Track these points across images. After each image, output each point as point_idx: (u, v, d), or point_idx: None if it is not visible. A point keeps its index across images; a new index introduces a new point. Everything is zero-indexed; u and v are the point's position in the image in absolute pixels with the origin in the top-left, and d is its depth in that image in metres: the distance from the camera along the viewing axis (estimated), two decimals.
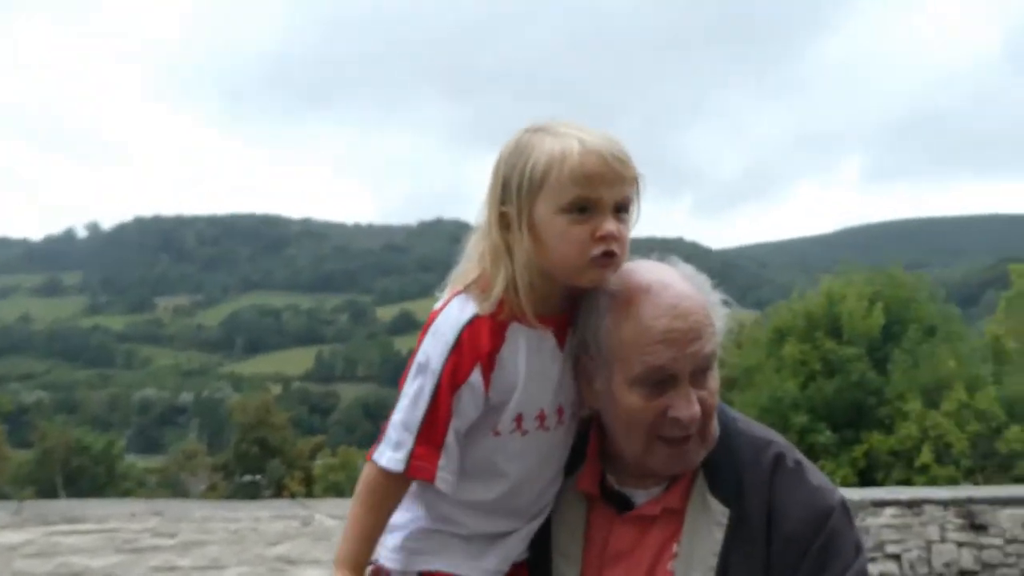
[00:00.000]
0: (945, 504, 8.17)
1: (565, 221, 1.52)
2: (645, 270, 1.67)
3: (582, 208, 1.52)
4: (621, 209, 1.56)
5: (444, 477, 1.56)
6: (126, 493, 41.06)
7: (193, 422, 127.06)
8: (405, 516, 1.66)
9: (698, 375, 1.61)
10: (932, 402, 21.11)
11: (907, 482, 18.52)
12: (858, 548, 1.66)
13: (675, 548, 1.65)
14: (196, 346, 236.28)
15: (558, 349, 1.64)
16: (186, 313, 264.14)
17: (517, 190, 1.54)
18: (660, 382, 1.59)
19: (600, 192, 1.52)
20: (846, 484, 18.93)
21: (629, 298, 1.61)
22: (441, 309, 1.61)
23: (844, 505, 1.69)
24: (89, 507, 5.70)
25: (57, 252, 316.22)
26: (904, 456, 20.96)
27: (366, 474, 1.59)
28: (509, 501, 1.63)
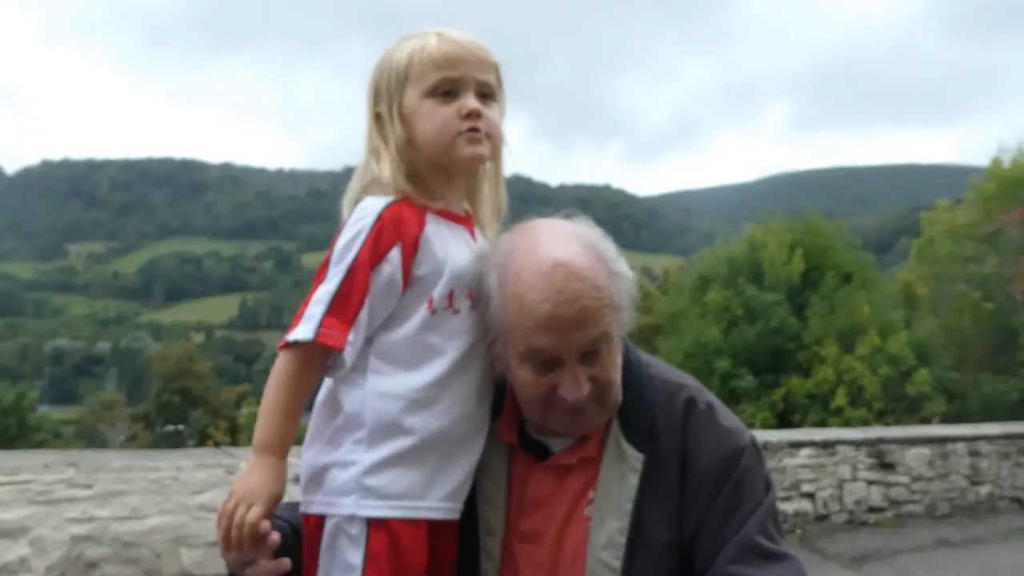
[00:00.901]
0: (857, 444, 8.50)
1: (431, 104, 1.61)
2: (539, 243, 1.60)
3: (446, 91, 1.60)
4: (486, 96, 1.62)
5: (350, 353, 1.54)
6: (39, 445, 39.93)
7: (111, 372, 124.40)
8: (348, 453, 1.58)
9: (588, 356, 1.58)
10: (847, 346, 21.77)
11: (822, 424, 19.14)
12: (768, 485, 1.69)
13: (591, 495, 1.67)
14: (112, 294, 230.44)
15: (472, 241, 1.68)
16: (100, 260, 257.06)
17: (386, 87, 1.64)
18: (546, 362, 1.58)
19: (460, 72, 1.59)
20: (766, 427, 19.53)
21: (516, 275, 1.57)
22: (357, 207, 1.64)
23: (755, 444, 1.72)
24: None
25: None
26: (820, 399, 21.62)
27: (279, 361, 1.56)
28: (450, 389, 1.60)
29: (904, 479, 8.66)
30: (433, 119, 1.60)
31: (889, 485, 8.58)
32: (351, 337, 1.53)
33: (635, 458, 1.64)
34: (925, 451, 8.80)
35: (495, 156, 1.69)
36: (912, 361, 21.30)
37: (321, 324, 1.52)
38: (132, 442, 42.76)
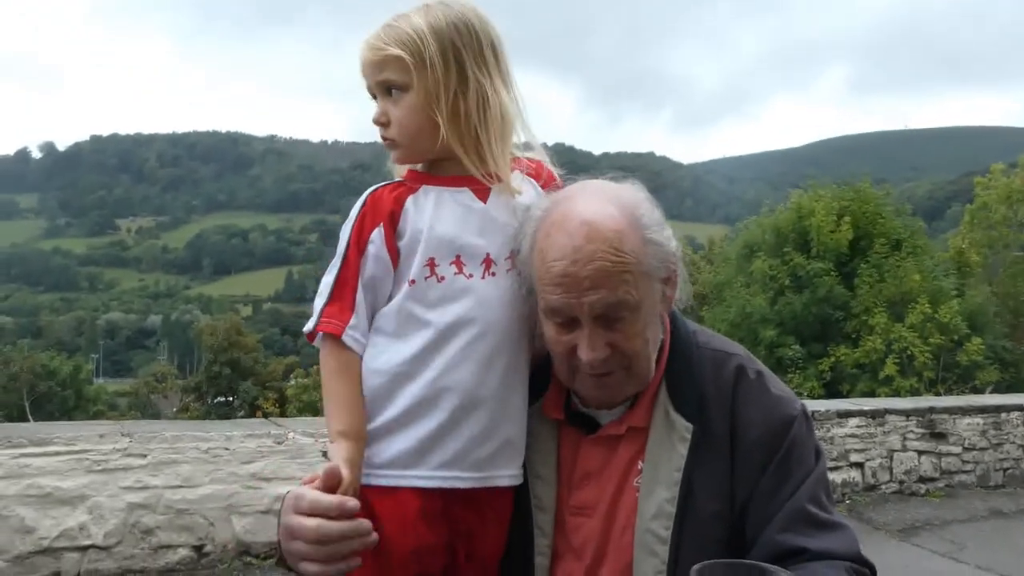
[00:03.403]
0: (907, 414, 8.38)
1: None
2: (576, 198, 1.59)
3: (373, 96, 1.66)
4: (392, 90, 1.62)
5: (353, 336, 1.58)
6: (96, 416, 40.96)
7: (162, 345, 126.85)
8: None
9: (608, 320, 1.55)
10: (897, 315, 21.43)
11: (871, 394, 18.88)
12: (818, 454, 1.67)
13: (640, 465, 1.65)
14: (162, 268, 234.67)
15: (478, 201, 1.64)
16: (150, 235, 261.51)
17: None
18: (565, 321, 1.56)
19: (368, 82, 1.64)
20: (813, 396, 19.33)
21: (547, 230, 1.56)
22: None
23: (805, 413, 1.69)
24: (57, 429, 5.66)
25: (11, 174, 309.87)
26: (869, 369, 21.33)
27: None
28: (437, 359, 1.57)
29: (956, 449, 8.53)
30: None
31: (940, 455, 8.46)
32: (352, 321, 1.59)
33: (684, 427, 1.62)
34: (978, 420, 8.65)
35: (423, 135, 1.63)
36: (964, 330, 20.92)
37: (322, 315, 1.59)
38: (184, 413, 43.63)
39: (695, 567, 1.18)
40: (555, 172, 1.75)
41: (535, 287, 1.57)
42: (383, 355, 1.60)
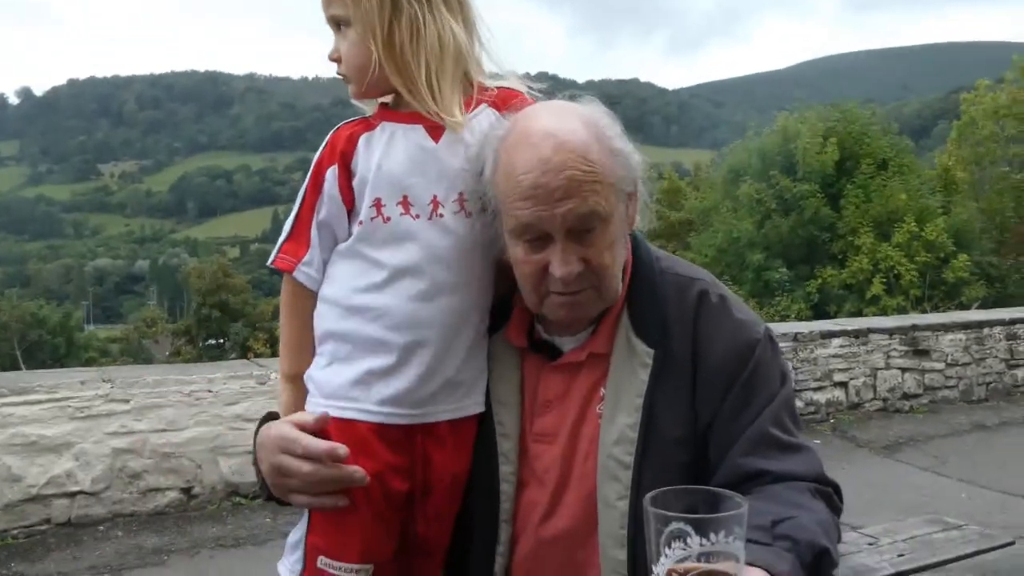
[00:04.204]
0: (890, 332, 8.44)
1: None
2: (536, 116, 1.57)
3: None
4: (341, 25, 1.62)
5: (306, 272, 1.63)
6: (88, 363, 41.05)
7: (151, 289, 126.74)
8: (317, 365, 1.65)
9: (579, 233, 1.52)
10: (884, 235, 21.47)
11: (858, 314, 19.00)
12: (784, 377, 1.65)
13: (602, 391, 1.64)
14: (147, 212, 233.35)
15: (430, 140, 1.61)
16: (133, 179, 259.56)
17: None
18: (536, 238, 1.53)
19: (325, 16, 1.63)
20: (800, 318, 19.48)
21: (509, 148, 1.54)
22: None
23: (769, 336, 1.67)
24: (38, 377, 5.65)
25: None
26: (856, 289, 21.46)
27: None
28: (384, 298, 1.58)
29: (939, 365, 8.63)
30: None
31: (924, 372, 8.56)
32: (306, 257, 1.63)
33: (645, 353, 1.60)
34: (960, 336, 8.74)
35: (365, 68, 1.60)
36: (951, 247, 21.02)
37: (280, 250, 1.64)
38: (176, 357, 43.73)
39: (648, 495, 1.16)
40: (528, 95, 1.69)
41: (500, 208, 1.54)
42: (332, 289, 1.62)
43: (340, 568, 1.56)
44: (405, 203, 1.58)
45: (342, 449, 1.51)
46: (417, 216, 1.58)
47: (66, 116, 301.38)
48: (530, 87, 1.70)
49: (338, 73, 1.64)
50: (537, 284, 1.56)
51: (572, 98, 1.62)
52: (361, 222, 1.59)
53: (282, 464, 1.53)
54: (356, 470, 1.53)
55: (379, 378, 1.58)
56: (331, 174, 1.60)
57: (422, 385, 1.59)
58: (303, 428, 1.54)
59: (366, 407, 1.58)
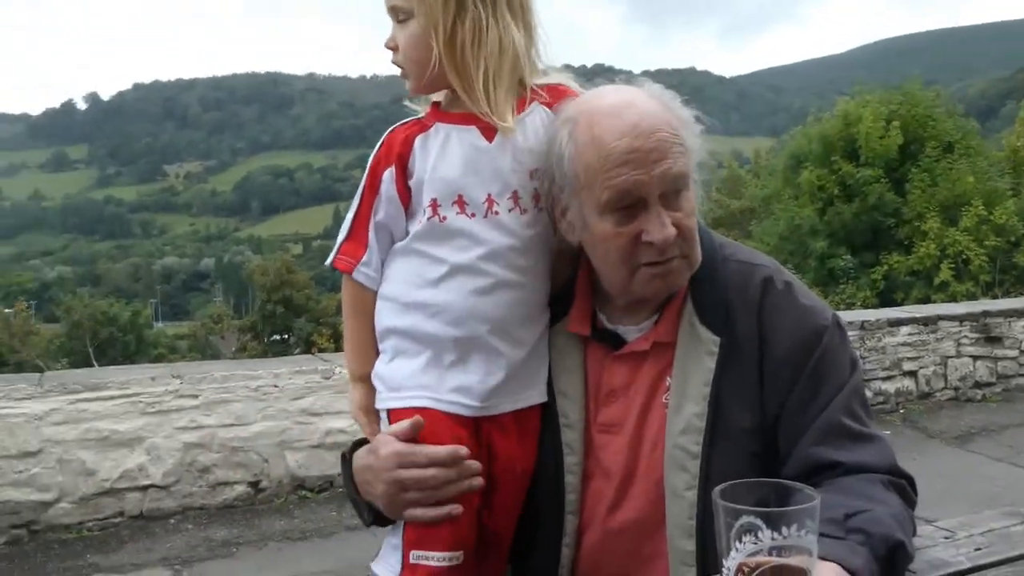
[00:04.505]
0: (960, 319, 8.22)
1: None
2: (605, 93, 1.60)
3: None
4: (401, 16, 1.62)
5: (365, 272, 1.66)
6: (158, 359, 42.02)
7: (217, 287, 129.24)
8: (381, 361, 1.69)
9: (670, 196, 1.53)
10: (951, 219, 20.91)
11: (926, 301, 18.52)
12: (853, 364, 1.62)
13: (668, 381, 1.62)
14: (212, 211, 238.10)
15: (483, 140, 1.63)
16: (198, 179, 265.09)
17: None
18: (629, 206, 1.52)
19: (386, 9, 1.64)
20: (866, 306, 19.07)
21: (590, 122, 1.54)
22: None
23: (837, 323, 1.64)
24: (110, 374, 5.81)
25: (59, 126, 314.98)
26: (923, 275, 20.92)
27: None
28: (442, 295, 1.61)
29: (1012, 352, 8.38)
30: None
31: (996, 359, 8.32)
32: (365, 257, 1.67)
33: (711, 341, 1.58)
34: None
35: (423, 64, 1.61)
36: (1021, 230, 20.37)
37: (339, 251, 1.69)
38: (242, 352, 44.51)
39: (717, 488, 1.15)
40: (578, 90, 1.70)
41: (585, 186, 1.53)
42: (390, 286, 1.66)
43: (434, 558, 1.58)
44: (460, 202, 1.60)
45: (463, 449, 1.56)
46: (472, 215, 1.61)
47: (132, 119, 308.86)
48: (577, 81, 1.72)
49: (393, 62, 1.66)
50: (627, 257, 1.55)
51: (628, 82, 1.63)
52: (420, 221, 1.62)
53: (402, 478, 1.55)
54: (475, 466, 1.57)
55: (441, 370, 1.61)
56: (388, 175, 1.64)
57: (484, 378, 1.61)
58: (401, 436, 1.57)
59: (435, 395, 1.60)
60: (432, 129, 1.63)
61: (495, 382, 1.62)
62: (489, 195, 1.61)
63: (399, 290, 1.64)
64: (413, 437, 1.57)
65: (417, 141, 1.63)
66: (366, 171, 1.67)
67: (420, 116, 1.67)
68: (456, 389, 1.60)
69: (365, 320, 1.68)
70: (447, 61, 1.58)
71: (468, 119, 1.62)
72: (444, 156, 1.61)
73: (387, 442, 1.58)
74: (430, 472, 1.54)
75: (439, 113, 1.65)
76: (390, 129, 1.69)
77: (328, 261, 1.70)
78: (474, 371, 1.61)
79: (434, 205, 1.60)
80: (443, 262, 1.60)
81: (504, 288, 1.62)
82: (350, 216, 1.68)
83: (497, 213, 1.61)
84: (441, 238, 1.61)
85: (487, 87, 1.59)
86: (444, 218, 1.60)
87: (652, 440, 1.61)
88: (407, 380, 1.62)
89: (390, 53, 1.67)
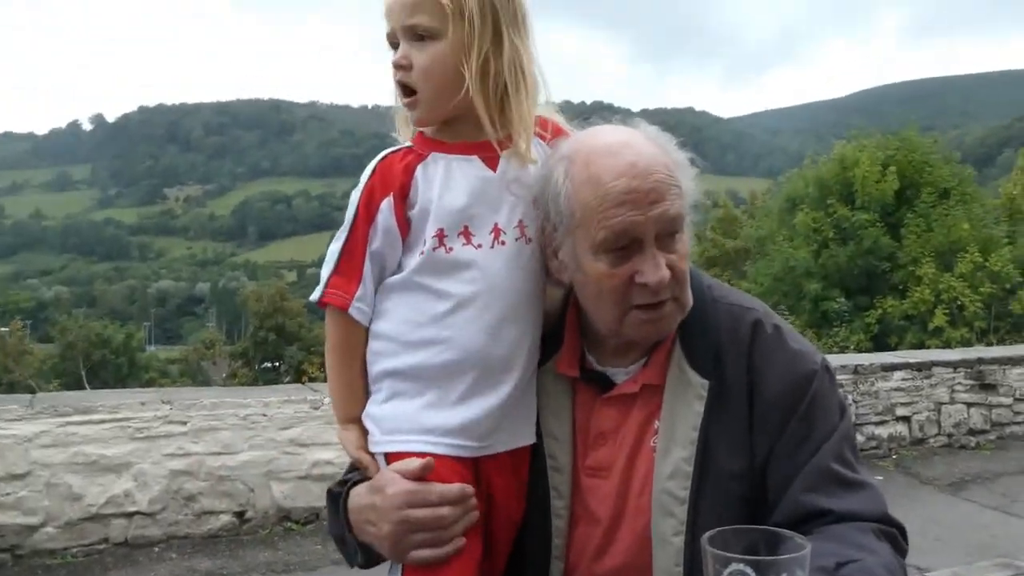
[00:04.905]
0: (954, 366, 8.21)
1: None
2: (603, 132, 1.59)
3: (392, 45, 1.60)
4: (423, 38, 1.56)
5: (360, 308, 1.58)
6: (148, 383, 41.81)
7: (211, 312, 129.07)
8: (375, 402, 1.62)
9: (664, 238, 1.52)
10: (946, 265, 21.00)
11: (921, 346, 18.53)
12: (842, 409, 1.60)
13: (656, 424, 1.60)
14: (209, 235, 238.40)
15: (487, 170, 1.60)
16: (197, 203, 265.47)
17: None
18: (625, 247, 1.51)
19: (391, 25, 1.58)
20: (860, 350, 19.06)
21: (586, 161, 1.53)
22: None
23: (827, 367, 1.62)
24: (100, 397, 5.77)
25: (64, 146, 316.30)
26: (918, 320, 20.97)
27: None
28: (445, 329, 1.55)
29: (1007, 400, 8.36)
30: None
31: (991, 407, 8.30)
32: (359, 292, 1.57)
33: (700, 384, 1.57)
34: None
35: (447, 87, 1.57)
36: (1017, 278, 20.44)
37: (328, 284, 1.58)
38: (232, 379, 44.34)
39: (706, 535, 1.13)
40: (566, 127, 1.70)
41: (580, 225, 1.52)
42: (387, 324, 1.59)
43: None
44: (467, 233, 1.57)
45: (469, 488, 1.52)
46: (479, 246, 1.57)
47: (135, 141, 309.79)
48: (564, 118, 1.71)
49: (400, 80, 1.59)
50: (620, 299, 1.53)
51: (624, 122, 1.63)
52: (423, 252, 1.56)
53: (412, 518, 1.50)
54: (475, 503, 1.54)
55: (444, 410, 1.56)
56: (387, 205, 1.57)
57: (485, 416, 1.58)
58: (408, 476, 1.52)
59: (434, 439, 1.56)
60: (429, 158, 1.59)
61: (496, 419, 1.58)
62: (496, 224, 1.58)
63: (398, 328, 1.58)
64: (421, 477, 1.51)
65: (419, 170, 1.58)
66: (356, 199, 1.59)
67: (409, 145, 1.62)
68: (458, 429, 1.56)
69: (356, 360, 1.61)
70: (479, 89, 1.55)
71: (468, 148, 1.60)
72: (449, 186, 1.57)
73: (394, 481, 1.52)
74: (443, 511, 1.50)
75: (432, 142, 1.61)
76: (380, 156, 1.63)
77: (315, 296, 1.59)
78: (476, 408, 1.57)
79: (440, 235, 1.56)
80: (449, 296, 1.56)
81: (511, 322, 1.59)
82: (337, 247, 1.59)
83: (504, 243, 1.58)
84: (446, 270, 1.56)
85: (523, 117, 1.57)
86: (450, 249, 1.56)
87: (640, 484, 1.59)
88: (405, 423, 1.56)
89: (401, 67, 1.59)
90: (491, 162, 1.60)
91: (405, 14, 1.55)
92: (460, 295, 1.55)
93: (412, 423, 1.56)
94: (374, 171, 1.60)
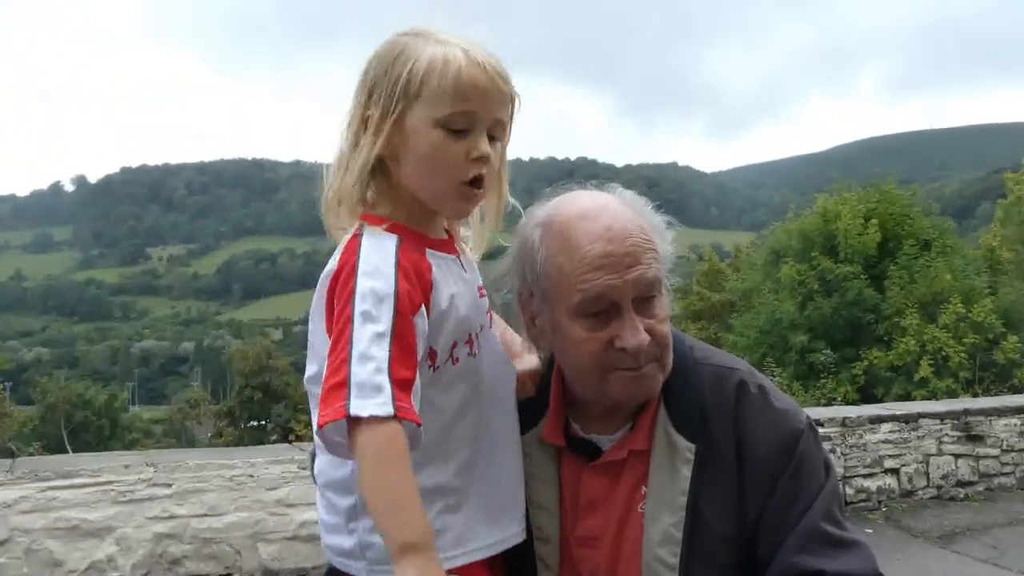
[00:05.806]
0: (941, 417, 8.21)
1: (440, 135, 1.40)
2: (578, 198, 1.59)
3: (460, 125, 1.40)
4: (495, 135, 1.45)
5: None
6: (132, 444, 41.30)
7: (195, 371, 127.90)
8: (347, 519, 1.50)
9: (642, 302, 1.52)
10: (930, 316, 21.15)
11: (907, 397, 18.59)
12: (827, 467, 1.62)
13: (644, 490, 1.60)
14: (193, 295, 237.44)
15: (465, 271, 1.55)
16: (180, 262, 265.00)
17: (389, 94, 1.41)
18: (602, 311, 1.51)
19: (478, 107, 1.40)
20: (847, 401, 19.07)
21: (563, 226, 1.53)
22: (352, 252, 1.43)
23: (811, 426, 1.64)
24: (82, 461, 5.68)
25: (45, 207, 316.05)
26: (903, 371, 21.05)
27: (360, 443, 1.25)
28: (444, 445, 1.48)
29: (994, 451, 8.35)
30: (439, 154, 1.40)
31: (978, 458, 8.28)
32: (414, 403, 1.32)
33: (686, 448, 1.57)
34: (1015, 421, 8.47)
35: (491, 189, 1.53)
36: (999, 328, 20.58)
37: (394, 397, 1.28)
38: (218, 439, 43.83)
39: None
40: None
41: (557, 290, 1.52)
42: None
43: None
44: (469, 341, 1.49)
45: None
46: (475, 353, 1.50)
47: (118, 202, 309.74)
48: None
49: (478, 176, 1.43)
50: (600, 363, 1.53)
51: (599, 187, 1.64)
52: (436, 367, 1.43)
53: None
54: None
55: (446, 528, 1.48)
56: (423, 309, 1.39)
57: (480, 524, 1.54)
58: None
59: (470, 547, 1.51)
60: (427, 256, 1.47)
61: (508, 511, 1.57)
62: (481, 326, 1.54)
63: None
64: None
65: (435, 273, 1.43)
66: (387, 291, 1.33)
67: (398, 239, 1.43)
68: (454, 542, 1.49)
69: (404, 471, 1.29)
70: (499, 182, 1.53)
71: (447, 246, 1.52)
72: (457, 291, 1.47)
73: None
74: None
75: (420, 238, 1.47)
76: (390, 241, 1.41)
77: (381, 411, 1.25)
78: (467, 520, 1.51)
79: (453, 347, 1.46)
80: (449, 408, 1.47)
81: (499, 415, 1.57)
82: (383, 352, 1.28)
83: (484, 341, 1.54)
84: (451, 381, 1.47)
85: (498, 214, 1.56)
86: (457, 360, 1.47)
87: (630, 552, 1.58)
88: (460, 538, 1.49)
89: (483, 161, 1.45)
90: (461, 260, 1.55)
91: (499, 105, 1.43)
92: (458, 407, 1.49)
93: (457, 535, 1.49)
94: (399, 263, 1.37)
